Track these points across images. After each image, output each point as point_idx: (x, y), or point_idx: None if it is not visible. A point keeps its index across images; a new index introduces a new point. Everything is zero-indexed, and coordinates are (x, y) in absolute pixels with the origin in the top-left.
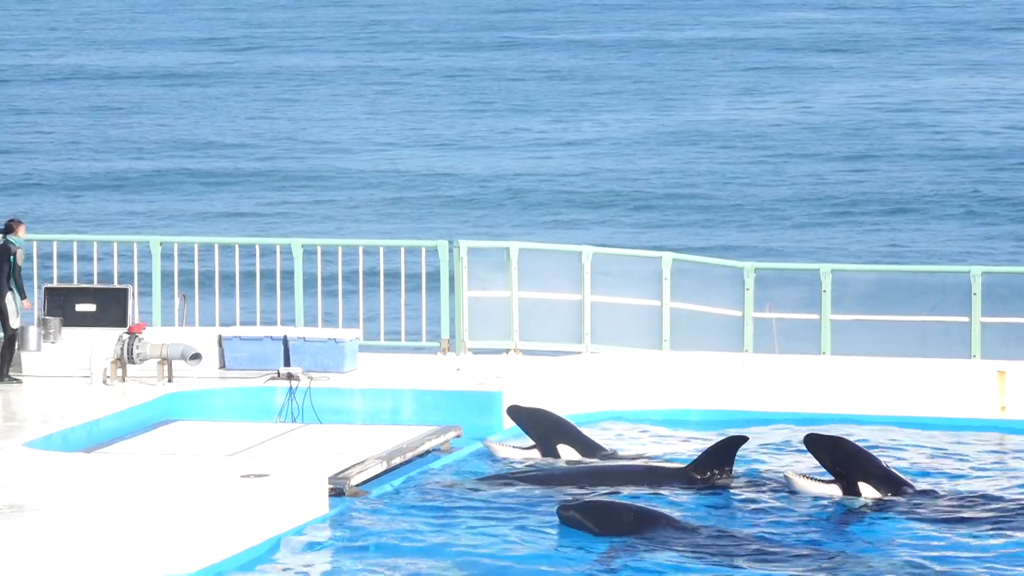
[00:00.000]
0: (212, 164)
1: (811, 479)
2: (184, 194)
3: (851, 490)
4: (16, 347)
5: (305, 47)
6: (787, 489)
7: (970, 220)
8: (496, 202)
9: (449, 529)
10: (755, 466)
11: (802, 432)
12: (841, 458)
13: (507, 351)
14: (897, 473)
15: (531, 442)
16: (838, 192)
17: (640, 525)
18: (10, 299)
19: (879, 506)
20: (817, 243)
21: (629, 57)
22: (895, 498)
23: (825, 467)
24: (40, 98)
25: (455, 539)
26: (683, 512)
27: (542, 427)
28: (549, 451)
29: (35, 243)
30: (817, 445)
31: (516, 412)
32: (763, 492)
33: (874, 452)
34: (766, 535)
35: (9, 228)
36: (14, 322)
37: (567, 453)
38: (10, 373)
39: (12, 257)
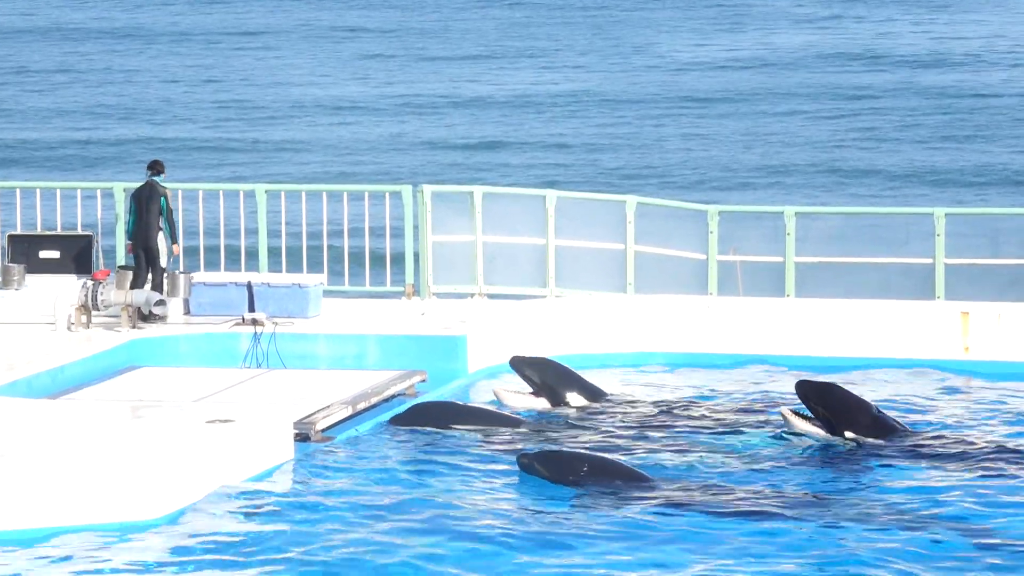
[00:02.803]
0: (166, 130)
1: (808, 419)
2: (143, 155)
3: (840, 435)
4: (164, 291)
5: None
6: (783, 428)
7: (932, 173)
8: (454, 159)
9: (414, 474)
10: (722, 409)
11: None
12: (832, 404)
13: (472, 295)
14: (888, 418)
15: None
16: (802, 152)
17: (594, 475)
18: (161, 239)
19: (869, 450)
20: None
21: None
22: (885, 442)
23: (815, 414)
24: None
25: (420, 483)
26: (658, 459)
27: (547, 376)
28: (557, 400)
29: None
30: (808, 391)
31: (519, 363)
32: (730, 434)
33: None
34: (741, 479)
35: (157, 168)
36: (164, 261)
37: (575, 400)
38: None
39: (164, 199)
